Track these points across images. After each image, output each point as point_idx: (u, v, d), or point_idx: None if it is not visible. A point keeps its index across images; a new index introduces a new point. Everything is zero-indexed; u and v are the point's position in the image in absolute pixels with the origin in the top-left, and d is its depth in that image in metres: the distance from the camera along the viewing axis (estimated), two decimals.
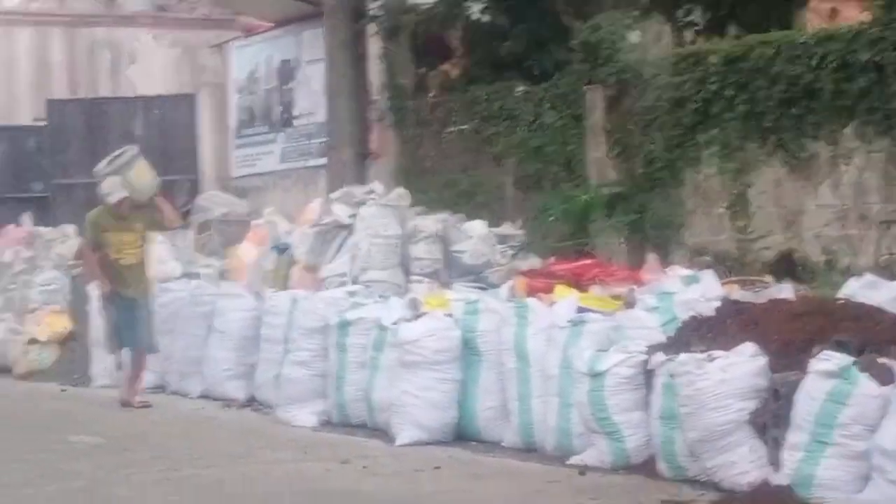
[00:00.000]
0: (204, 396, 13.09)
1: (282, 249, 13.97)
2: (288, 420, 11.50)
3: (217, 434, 11.09)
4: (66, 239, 17.94)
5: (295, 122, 18.94)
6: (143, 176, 13.00)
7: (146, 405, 12.53)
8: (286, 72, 19.21)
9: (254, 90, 19.84)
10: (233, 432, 11.14)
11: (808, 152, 11.84)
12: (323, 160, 17.67)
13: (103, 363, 14.44)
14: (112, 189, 12.68)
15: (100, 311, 13.09)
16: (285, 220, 15.28)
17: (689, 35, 14.82)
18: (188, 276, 14.80)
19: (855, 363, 7.85)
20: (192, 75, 22.16)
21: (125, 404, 12.52)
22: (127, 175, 12.75)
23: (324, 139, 17.70)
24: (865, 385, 7.71)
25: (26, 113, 24.70)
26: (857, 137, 11.41)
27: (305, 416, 11.46)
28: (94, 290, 13.83)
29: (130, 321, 12.54)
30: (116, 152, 13.33)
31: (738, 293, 10.23)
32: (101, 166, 13.05)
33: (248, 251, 14.53)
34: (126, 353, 12.75)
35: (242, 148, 19.90)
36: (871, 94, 10.94)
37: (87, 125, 20.40)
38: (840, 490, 7.70)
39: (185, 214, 18.33)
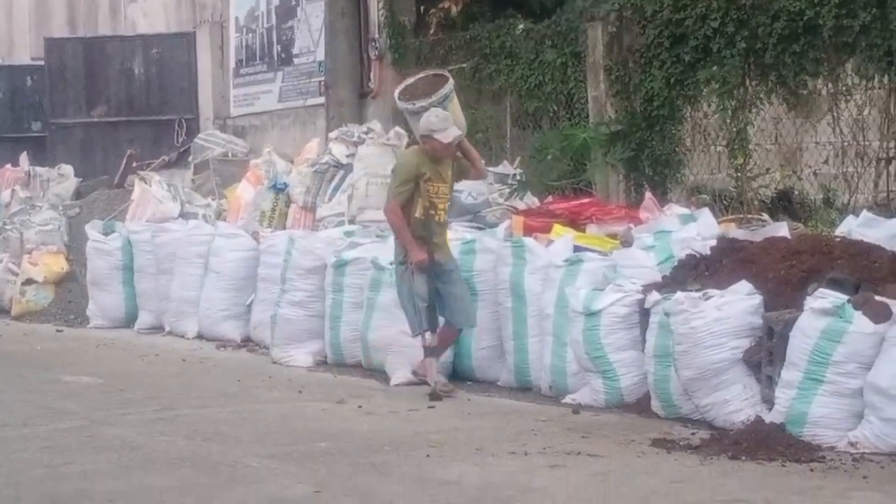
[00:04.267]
0: (200, 337, 13.09)
1: (279, 189, 13.92)
2: (283, 360, 11.51)
3: (212, 374, 11.09)
4: (64, 179, 17.91)
5: (294, 61, 18.79)
6: (460, 114, 10.31)
7: (448, 392, 9.86)
8: (286, 10, 19.03)
9: (253, 28, 19.68)
10: (228, 372, 11.13)
11: (807, 89, 11.75)
12: (321, 99, 17.55)
13: (97, 303, 14.43)
14: (445, 124, 9.79)
15: (402, 284, 9.99)
16: (283, 159, 15.22)
17: None
18: (185, 216, 14.77)
19: (850, 301, 7.82)
20: (192, 13, 21.96)
21: (436, 396, 9.68)
22: (448, 109, 10.00)
23: (322, 78, 17.58)
24: (860, 322, 7.69)
25: (25, 52, 24.61)
26: (857, 74, 11.31)
27: (301, 356, 11.47)
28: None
29: (448, 293, 9.97)
30: (422, 74, 10.61)
31: (734, 231, 10.19)
32: (403, 93, 10.25)
33: (245, 191, 14.48)
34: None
35: (241, 87, 19.75)
36: (872, 30, 10.78)
37: (85, 64, 20.29)
38: (832, 428, 7.70)
39: (183, 154, 18.32)
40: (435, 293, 9.98)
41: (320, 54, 17.81)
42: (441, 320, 10.14)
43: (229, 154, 17.54)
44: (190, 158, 17.70)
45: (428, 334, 9.96)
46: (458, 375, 10.52)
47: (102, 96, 20.27)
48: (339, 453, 7.82)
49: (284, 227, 13.44)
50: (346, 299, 11.27)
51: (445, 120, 9.81)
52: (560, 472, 7.24)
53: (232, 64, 20.05)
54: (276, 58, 19.16)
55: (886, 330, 7.65)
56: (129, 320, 14.23)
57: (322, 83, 17.51)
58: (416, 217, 9.88)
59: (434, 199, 9.88)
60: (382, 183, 12.94)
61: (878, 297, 7.89)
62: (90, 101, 20.24)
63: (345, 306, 11.28)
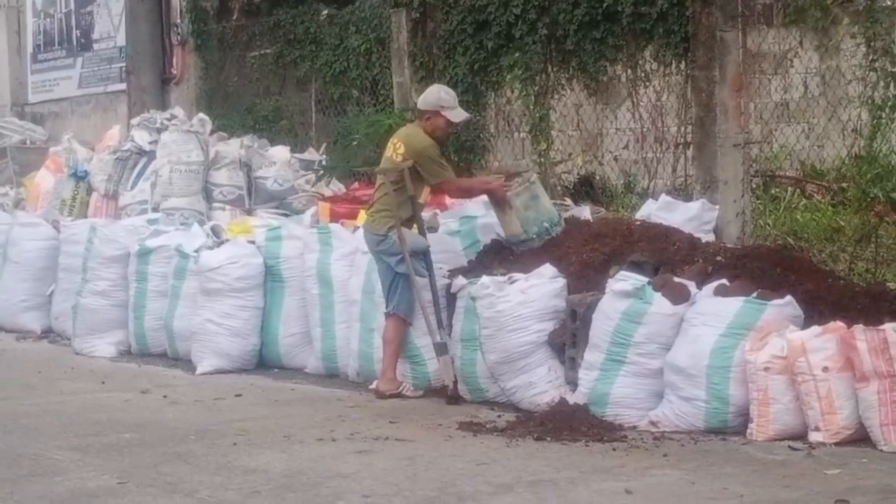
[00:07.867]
0: None
1: (80, 177, 13.65)
2: (86, 351, 11.33)
3: (12, 366, 10.85)
4: None
5: (94, 47, 18.46)
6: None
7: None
8: None
9: (51, 13, 19.26)
10: (29, 364, 10.91)
11: (607, 75, 11.94)
12: (123, 85, 17.29)
13: None
14: (455, 102, 9.18)
15: (412, 282, 8.97)
16: (84, 146, 14.89)
17: None
18: None
19: (650, 282, 7.98)
20: None
21: (453, 399, 8.80)
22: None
23: (123, 64, 17.31)
24: (660, 304, 7.85)
25: None
26: (655, 60, 11.52)
27: (104, 346, 11.30)
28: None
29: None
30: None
31: None
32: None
33: (45, 179, 14.16)
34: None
35: (39, 73, 19.33)
36: (669, 17, 11.00)
37: None
38: (634, 407, 7.86)
39: None
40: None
41: (121, 40, 17.52)
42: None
43: (28, 141, 17.16)
44: None
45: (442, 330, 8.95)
46: (266, 363, 10.47)
47: None
48: (144, 444, 7.72)
49: (86, 216, 13.17)
50: (151, 288, 11.14)
51: (455, 98, 9.18)
52: (367, 457, 7.25)
53: (29, 49, 19.61)
54: (75, 43, 18.78)
55: (685, 311, 7.84)
56: None
57: (123, 69, 17.23)
58: (420, 203, 9.08)
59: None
60: (186, 170, 12.78)
61: (676, 279, 8.08)
62: None
63: (149, 295, 11.15)
